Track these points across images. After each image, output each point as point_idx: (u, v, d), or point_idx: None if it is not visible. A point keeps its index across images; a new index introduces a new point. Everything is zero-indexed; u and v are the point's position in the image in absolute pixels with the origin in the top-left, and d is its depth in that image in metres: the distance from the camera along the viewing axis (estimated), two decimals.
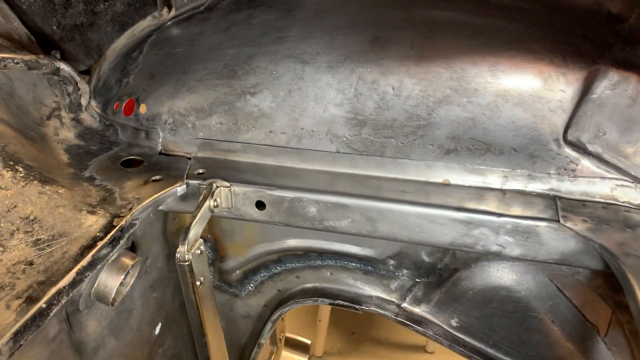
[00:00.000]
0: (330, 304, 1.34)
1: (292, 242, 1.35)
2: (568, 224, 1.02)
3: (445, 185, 1.16)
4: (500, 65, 1.06)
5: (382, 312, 1.32)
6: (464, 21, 1.10)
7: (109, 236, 1.00)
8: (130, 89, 1.36)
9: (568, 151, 1.08)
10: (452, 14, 1.12)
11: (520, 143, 1.09)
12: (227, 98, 1.23)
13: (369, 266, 1.34)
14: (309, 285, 1.41)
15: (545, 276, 1.23)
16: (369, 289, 1.36)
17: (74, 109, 1.45)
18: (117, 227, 1.03)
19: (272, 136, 1.23)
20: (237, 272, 1.45)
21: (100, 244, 0.98)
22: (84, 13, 1.65)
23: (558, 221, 1.03)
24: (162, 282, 1.35)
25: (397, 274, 1.32)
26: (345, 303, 1.33)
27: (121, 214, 1.07)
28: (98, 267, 0.99)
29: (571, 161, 1.08)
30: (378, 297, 1.36)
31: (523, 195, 1.12)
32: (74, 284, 0.91)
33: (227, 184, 1.17)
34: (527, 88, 1.05)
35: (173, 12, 1.53)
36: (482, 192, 1.13)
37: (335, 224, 1.15)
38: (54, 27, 1.71)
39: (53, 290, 0.87)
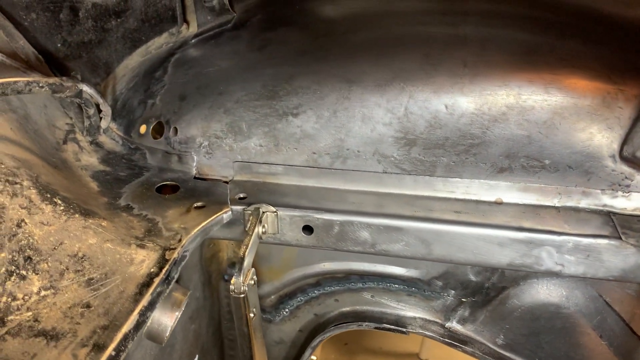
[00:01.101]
0: (376, 328, 1.31)
1: (333, 265, 1.31)
2: (631, 241, 1.01)
3: (498, 204, 1.14)
4: (557, 83, 1.05)
5: (427, 333, 1.29)
6: (517, 38, 1.09)
7: (163, 271, 0.95)
8: (158, 110, 1.30)
9: (623, 167, 1.07)
10: (503, 31, 1.11)
11: (575, 160, 1.08)
12: (268, 119, 1.19)
13: (413, 287, 1.31)
14: (347, 308, 1.37)
15: (594, 291, 1.22)
16: (412, 311, 1.33)
17: (93, 131, 1.38)
18: (170, 261, 0.97)
19: (316, 157, 1.19)
20: (272, 297, 1.40)
21: (156, 280, 0.92)
22: (93, 30, 1.58)
23: (620, 238, 1.02)
24: (199, 312, 1.29)
25: (442, 294, 1.29)
26: (391, 327, 1.29)
27: (172, 247, 1.01)
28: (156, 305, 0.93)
29: (626, 177, 1.08)
30: (422, 319, 1.33)
31: (576, 212, 1.11)
32: (138, 326, 0.85)
33: (273, 208, 1.13)
34: (584, 105, 1.05)
35: (194, 29, 1.48)
36: (536, 210, 1.12)
37: (388, 247, 1.12)
38: (59, 45, 1.62)
39: (119, 335, 0.81)
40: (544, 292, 1.23)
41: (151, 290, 0.90)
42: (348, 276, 1.33)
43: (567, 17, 1.11)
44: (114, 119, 1.41)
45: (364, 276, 1.32)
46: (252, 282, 1.05)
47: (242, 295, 1.02)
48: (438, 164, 1.14)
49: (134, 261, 0.96)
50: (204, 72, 1.28)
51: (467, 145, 1.11)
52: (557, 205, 1.12)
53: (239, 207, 1.14)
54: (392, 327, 1.30)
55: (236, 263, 1.35)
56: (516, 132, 1.08)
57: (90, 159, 1.32)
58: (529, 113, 1.07)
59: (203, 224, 1.07)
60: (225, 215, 1.12)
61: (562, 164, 1.09)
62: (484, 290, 1.26)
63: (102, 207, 1.12)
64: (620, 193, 1.09)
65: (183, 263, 1.02)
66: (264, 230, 1.11)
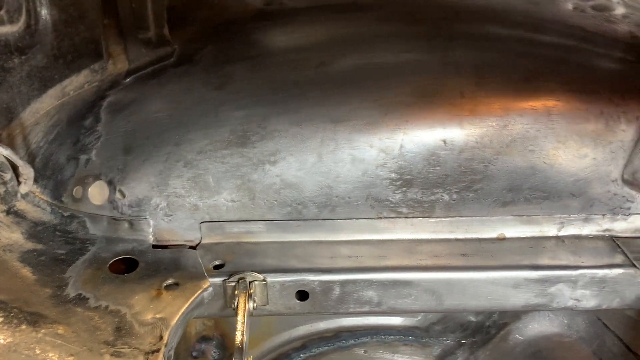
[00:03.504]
0: None
1: (321, 325, 1.17)
2: None
3: (501, 239, 1.06)
4: (560, 109, 0.99)
5: None
6: (514, 63, 1.02)
7: None
8: (97, 168, 1.07)
9: (625, 190, 1.04)
10: (496, 55, 1.03)
11: (579, 188, 1.03)
12: (240, 170, 1.02)
13: (410, 336, 1.20)
14: None
15: (594, 315, 1.19)
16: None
17: (9, 199, 1.11)
18: None
19: (300, 209, 1.04)
20: None
21: None
22: None
23: (634, 266, 0.98)
24: None
25: (441, 339, 1.19)
26: None
27: (154, 349, 0.80)
28: None
29: (628, 199, 1.05)
30: None
31: (580, 240, 1.06)
32: None
33: (260, 276, 0.96)
34: (588, 131, 1.00)
35: (124, 65, 1.25)
36: (541, 242, 1.05)
37: (396, 304, 1.00)
38: None
39: None
40: (546, 323, 1.18)
41: None
42: (338, 334, 1.19)
43: (557, 37, 1.06)
44: (35, 180, 1.15)
45: (356, 332, 1.18)
46: None
47: None
48: (437, 203, 1.04)
49: None
50: (152, 118, 1.07)
51: (468, 181, 1.02)
52: (560, 235, 1.07)
53: (218, 280, 0.95)
54: None
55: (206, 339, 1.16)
56: (520, 163, 1.01)
57: (13, 235, 1.06)
58: (532, 143, 1.00)
59: (182, 310, 0.87)
60: (206, 293, 0.93)
61: (565, 193, 1.04)
62: (485, 329, 1.19)
63: (49, 305, 0.88)
64: (620, 216, 1.06)
65: None
66: (254, 305, 0.94)
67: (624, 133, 1.00)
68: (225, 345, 1.19)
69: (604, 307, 1.02)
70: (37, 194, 1.14)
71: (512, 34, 1.06)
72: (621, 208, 1.05)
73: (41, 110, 1.31)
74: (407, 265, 0.99)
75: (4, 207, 1.11)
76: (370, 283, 0.98)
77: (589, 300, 1.01)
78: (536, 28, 1.05)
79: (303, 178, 1.02)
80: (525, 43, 1.04)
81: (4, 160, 1.06)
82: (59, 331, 0.80)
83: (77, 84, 1.31)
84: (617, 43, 1.05)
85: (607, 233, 1.07)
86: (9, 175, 1.08)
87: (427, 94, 1.00)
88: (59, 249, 1.03)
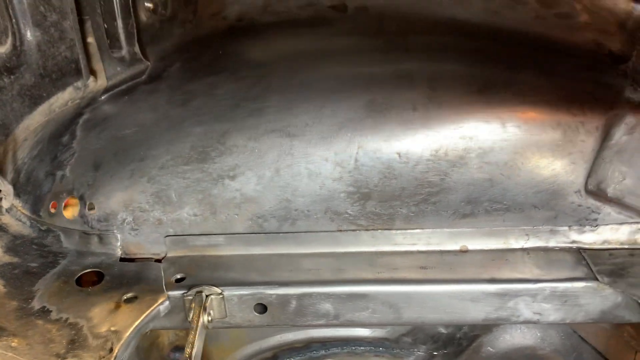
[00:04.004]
0: None
1: (291, 336, 1.18)
2: (606, 281, 0.95)
3: (463, 252, 1.05)
4: (515, 120, 0.97)
5: None
6: (467, 74, 1.01)
7: None
8: (70, 184, 1.11)
9: (590, 201, 1.02)
10: (451, 66, 1.02)
11: (541, 199, 1.01)
12: (201, 185, 1.04)
13: (380, 347, 1.20)
14: None
15: (569, 328, 1.16)
16: None
17: None
18: None
19: (261, 222, 1.05)
20: None
21: None
22: None
23: (596, 279, 0.96)
24: None
25: (412, 350, 1.19)
26: None
27: None
28: None
29: (593, 210, 1.02)
30: None
31: (546, 252, 1.04)
32: None
33: (218, 290, 0.98)
34: (546, 142, 0.98)
35: (103, 83, 1.30)
36: (505, 255, 1.04)
37: (353, 317, 1.00)
38: None
39: None
40: (518, 336, 1.16)
41: None
42: (309, 345, 1.20)
43: (516, 46, 1.04)
44: (18, 195, 1.20)
45: (326, 343, 1.19)
46: None
47: None
48: (396, 216, 1.04)
49: None
50: (120, 134, 1.11)
51: (425, 194, 1.01)
52: (525, 247, 1.05)
53: (177, 293, 0.98)
54: None
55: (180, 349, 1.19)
56: (477, 176, 1.00)
57: None
58: (488, 155, 0.99)
59: (136, 323, 0.90)
60: (162, 307, 0.96)
61: (527, 205, 1.02)
62: (456, 341, 1.17)
63: (12, 317, 0.92)
64: (587, 227, 1.04)
65: None
66: (210, 318, 0.96)
67: (584, 144, 0.98)
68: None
69: (568, 321, 1.00)
70: (19, 208, 1.19)
71: (469, 45, 1.04)
72: (587, 219, 1.03)
73: (31, 126, 1.37)
74: (364, 278, 0.99)
75: None
76: (326, 296, 0.98)
77: (551, 314, 0.99)
78: (495, 38, 1.04)
79: (262, 192, 1.03)
80: (482, 53, 1.03)
81: None
82: (13, 344, 0.84)
83: (63, 101, 1.35)
84: (580, 51, 1.03)
85: (574, 245, 1.04)
86: None
87: (379, 108, 1.00)
88: (33, 262, 1.08)
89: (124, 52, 1.21)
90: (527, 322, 1.01)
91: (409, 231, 1.05)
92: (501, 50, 1.04)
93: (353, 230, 1.05)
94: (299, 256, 1.06)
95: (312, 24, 1.15)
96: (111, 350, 0.85)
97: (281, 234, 1.06)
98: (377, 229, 1.05)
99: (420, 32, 1.06)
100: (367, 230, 1.05)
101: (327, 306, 0.99)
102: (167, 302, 0.96)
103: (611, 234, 1.04)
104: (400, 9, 1.10)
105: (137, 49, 1.20)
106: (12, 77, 1.34)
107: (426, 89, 1.00)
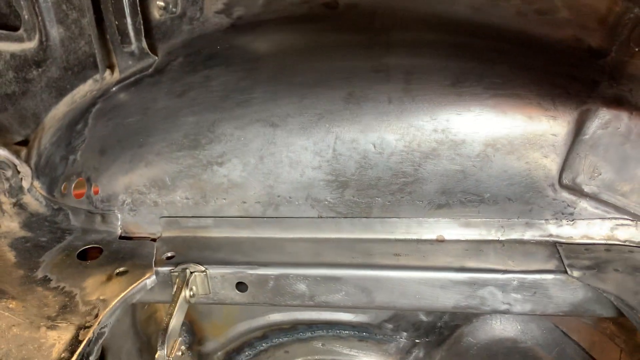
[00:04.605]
0: None
1: (278, 316, 1.24)
2: (575, 274, 0.96)
3: (440, 241, 1.08)
4: (487, 113, 1.00)
5: None
6: (443, 68, 1.03)
7: (75, 356, 0.86)
8: (79, 167, 1.22)
9: (565, 195, 1.02)
10: (429, 61, 1.05)
11: (514, 191, 1.03)
12: (192, 170, 1.12)
13: (364, 332, 1.24)
14: (299, 359, 1.29)
15: (551, 322, 1.17)
16: (366, 356, 1.26)
17: (15, 193, 1.29)
18: (85, 342, 0.89)
19: (247, 207, 1.12)
20: (219, 353, 1.32)
21: None
22: (15, 81, 1.49)
23: (565, 272, 0.97)
24: None
25: (394, 337, 1.23)
26: None
27: (87, 324, 0.92)
28: None
29: (568, 205, 1.03)
30: None
31: (522, 244, 1.06)
32: None
33: (201, 268, 1.05)
34: (517, 135, 1.00)
35: (116, 75, 1.40)
36: (479, 245, 1.06)
37: (327, 298, 1.05)
38: None
39: None
40: (499, 328, 1.17)
41: None
42: (295, 326, 1.26)
43: (495, 42, 1.06)
44: (37, 176, 1.32)
45: (312, 325, 1.25)
46: (180, 353, 0.97)
47: None
48: (373, 204, 1.08)
49: (42, 347, 0.88)
50: (124, 123, 1.20)
51: (400, 184, 1.05)
52: (501, 238, 1.07)
53: (165, 269, 1.06)
54: None
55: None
56: (449, 167, 1.03)
57: (11, 224, 1.24)
58: (460, 147, 1.01)
59: (122, 294, 0.99)
60: (149, 280, 1.04)
61: (501, 197, 1.04)
62: (437, 330, 1.20)
63: (16, 283, 1.03)
64: (564, 222, 1.04)
65: (101, 340, 0.94)
66: (192, 293, 1.03)
67: (555, 138, 0.99)
68: (194, 331, 1.30)
69: (538, 312, 1.01)
70: (37, 189, 1.31)
71: (449, 40, 1.07)
72: (563, 214, 1.04)
73: (56, 116, 1.50)
74: (337, 262, 1.04)
75: (13, 200, 1.30)
76: (302, 277, 1.04)
77: (521, 305, 1.00)
78: (474, 33, 1.06)
79: (247, 178, 1.10)
80: (460, 49, 1.05)
81: (4, 159, 1.24)
82: (10, 305, 0.94)
83: (83, 92, 1.47)
84: (558, 46, 1.03)
85: (551, 239, 1.05)
86: (9, 172, 1.26)
87: (357, 101, 1.05)
88: (43, 236, 1.19)
89: (134, 47, 1.30)
90: (497, 312, 1.03)
91: (386, 220, 1.09)
92: (479, 45, 1.05)
93: (333, 217, 1.10)
94: (282, 240, 1.12)
95: (304, 20, 1.19)
96: (96, 316, 0.94)
97: (265, 219, 1.12)
98: (356, 217, 1.09)
99: (404, 29, 1.09)
100: (345, 217, 1.10)
101: (302, 287, 1.04)
102: (153, 277, 1.04)
103: (588, 229, 1.04)
104: (389, 5, 1.13)
105: (144, 44, 1.28)
106: (40, 70, 1.47)
107: (402, 83, 1.04)
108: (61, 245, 1.16)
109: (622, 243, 1.03)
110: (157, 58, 1.31)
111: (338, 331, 1.24)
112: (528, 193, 1.03)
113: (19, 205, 1.29)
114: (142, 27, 1.26)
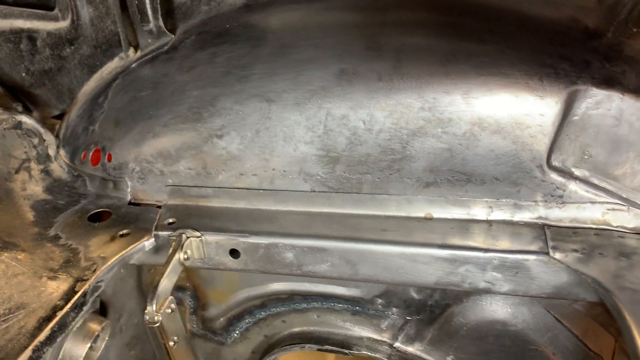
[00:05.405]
0: (319, 349, 1.27)
1: (275, 286, 1.29)
2: (557, 256, 0.96)
3: (428, 219, 1.09)
4: (474, 92, 1.00)
5: (373, 354, 1.25)
6: (433, 47, 1.04)
7: (70, 304, 0.94)
8: (96, 137, 1.31)
9: (554, 177, 1.01)
10: (420, 39, 1.06)
11: (501, 171, 1.03)
12: (194, 142, 1.18)
13: (356, 306, 1.27)
14: (296, 329, 1.34)
15: (542, 307, 1.16)
16: (359, 330, 1.29)
17: (43, 160, 1.40)
18: (80, 293, 0.97)
19: (244, 179, 1.17)
20: (221, 319, 1.38)
21: (60, 314, 0.92)
22: (51, 58, 1.61)
23: (547, 253, 0.97)
24: (140, 338, 1.29)
25: (386, 312, 1.25)
26: (334, 348, 1.26)
27: (84, 277, 1.00)
28: (60, 337, 0.93)
29: (558, 187, 1.02)
30: (369, 338, 1.29)
31: (510, 225, 1.05)
32: None
33: (197, 233, 1.11)
34: (503, 114, 0.99)
35: (139, 53, 1.48)
36: (467, 224, 1.07)
37: (314, 268, 1.09)
38: (23, 74, 1.67)
39: None
40: (489, 310, 1.18)
41: (51, 324, 0.90)
42: (292, 297, 1.30)
43: (488, 22, 1.05)
44: (63, 146, 1.42)
45: (307, 296, 1.29)
46: (170, 310, 1.03)
47: (156, 325, 1.01)
48: (364, 180, 1.10)
49: (42, 294, 0.96)
50: (138, 96, 1.28)
51: (389, 160, 1.07)
52: (489, 219, 1.07)
53: (164, 233, 1.13)
54: (335, 348, 1.26)
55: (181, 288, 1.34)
56: (436, 145, 1.04)
57: (36, 188, 1.34)
58: (447, 125, 1.02)
59: (120, 254, 1.06)
60: (148, 242, 1.11)
61: (488, 176, 1.04)
62: (428, 308, 1.21)
63: (29, 239, 1.13)
64: (554, 204, 1.03)
65: (97, 293, 1.02)
66: (185, 256, 1.10)
67: (543, 118, 0.98)
68: (198, 296, 1.37)
69: (520, 293, 1.01)
70: (62, 157, 1.41)
71: (443, 19, 1.07)
72: (552, 196, 1.03)
73: (87, 91, 1.61)
74: (324, 234, 1.07)
75: (42, 167, 1.41)
76: (290, 247, 1.08)
77: (502, 284, 1.01)
78: (468, 13, 1.06)
79: (244, 151, 1.15)
80: (451, 27, 1.05)
81: (30, 127, 1.34)
82: (19, 257, 1.04)
83: (110, 69, 1.57)
84: (554, 26, 1.02)
85: (540, 221, 1.05)
86: (36, 140, 1.36)
87: (348, 78, 1.07)
88: (61, 200, 1.29)
89: (152, 25, 1.38)
90: (479, 290, 1.04)
91: (376, 196, 1.11)
92: (472, 24, 1.05)
93: (325, 192, 1.13)
94: (276, 212, 1.16)
95: (310, 0, 1.23)
96: (94, 271, 1.02)
97: (261, 191, 1.17)
98: (347, 192, 1.12)
99: (400, 8, 1.11)
100: (337, 192, 1.13)
101: (290, 256, 1.09)
102: (152, 240, 1.11)
103: (579, 212, 1.03)
104: None
105: (161, 23, 1.35)
106: (72, 47, 1.58)
107: (393, 61, 1.05)
108: (75, 208, 1.25)
109: (613, 228, 1.01)
110: (173, 37, 1.38)
111: (332, 304, 1.28)
112: (515, 173, 1.02)
113: (46, 172, 1.39)
114: (158, 6, 1.33)
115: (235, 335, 1.40)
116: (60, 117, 1.61)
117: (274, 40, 1.18)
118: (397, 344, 1.27)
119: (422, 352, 1.26)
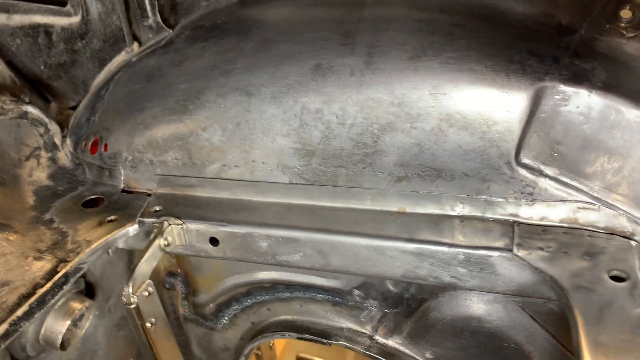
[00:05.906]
0: (298, 338, 1.31)
1: (260, 275, 1.33)
2: (520, 253, 0.95)
3: (401, 213, 1.11)
4: (442, 88, 1.00)
5: (352, 345, 1.27)
6: (404, 42, 1.05)
7: (50, 283, 1.01)
8: (96, 127, 1.37)
9: (523, 174, 1.01)
10: (393, 35, 1.07)
11: (470, 167, 1.03)
12: (180, 133, 1.23)
13: (337, 297, 1.29)
14: (281, 317, 1.38)
15: (517, 305, 1.15)
16: (340, 321, 1.31)
17: (50, 148, 1.49)
18: (61, 273, 1.03)
19: (227, 170, 1.21)
20: (211, 305, 1.44)
21: (40, 291, 0.99)
22: (65, 52, 1.70)
23: (511, 250, 0.97)
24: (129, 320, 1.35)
25: (365, 304, 1.27)
26: (313, 337, 1.29)
27: (67, 259, 1.07)
28: (39, 313, 0.99)
29: (528, 184, 1.01)
30: (349, 329, 1.31)
31: (481, 221, 1.06)
32: (6, 335, 0.92)
33: (179, 221, 1.16)
34: (471, 110, 0.99)
35: (140, 47, 1.54)
36: (438, 219, 1.07)
37: (287, 258, 1.12)
38: (42, 67, 1.76)
39: None
40: (464, 305, 1.18)
41: (30, 301, 0.96)
42: (275, 286, 1.34)
43: (462, 17, 1.05)
44: (70, 135, 1.50)
45: (290, 286, 1.32)
46: (147, 293, 1.09)
47: (133, 306, 1.06)
48: (339, 174, 1.13)
49: (26, 273, 1.03)
50: (133, 88, 1.34)
51: (362, 154, 1.09)
52: (460, 214, 1.07)
53: (149, 220, 1.18)
54: (314, 337, 1.29)
55: (173, 274, 1.40)
56: (406, 140, 1.05)
57: (41, 175, 1.43)
58: (415, 120, 1.03)
59: (104, 238, 1.12)
60: (132, 228, 1.17)
61: (457, 172, 1.04)
62: (405, 302, 1.22)
63: (25, 221, 1.20)
64: (523, 201, 1.03)
65: (79, 274, 1.08)
66: (166, 242, 1.15)
67: (509, 114, 0.97)
68: (188, 282, 1.42)
69: (486, 289, 1.02)
70: (68, 146, 1.49)
71: (417, 15, 1.08)
72: (522, 193, 1.02)
73: (98, 84, 1.69)
74: (297, 225, 1.10)
75: (49, 155, 1.49)
76: (264, 237, 1.12)
77: (468, 279, 1.01)
78: (443, 9, 1.06)
79: (226, 143, 1.19)
80: (425, 23, 1.05)
81: (36, 117, 1.42)
82: (11, 238, 1.11)
83: (118, 62, 1.64)
84: (526, 22, 1.01)
85: (511, 218, 1.04)
86: (42, 129, 1.45)
87: (322, 72, 1.09)
88: (61, 186, 1.36)
89: (151, 20, 1.44)
90: (445, 285, 1.05)
91: (351, 189, 1.13)
92: (445, 20, 1.05)
93: (302, 184, 1.16)
94: (257, 203, 1.20)
95: None
96: (78, 253, 1.08)
97: (243, 182, 1.20)
98: (323, 185, 1.15)
99: (378, 4, 1.12)
100: (314, 185, 1.15)
101: (264, 245, 1.12)
102: (136, 226, 1.17)
103: (549, 210, 1.02)
104: None
105: (159, 18, 1.41)
106: (83, 41, 1.66)
107: (365, 56, 1.07)
108: (73, 194, 1.32)
109: (584, 227, 1.00)
110: (171, 32, 1.43)
111: (313, 294, 1.31)
112: (484, 170, 1.02)
113: (53, 160, 1.48)
114: (156, 2, 1.38)
115: (225, 321, 1.45)
116: (76, 108, 1.70)
117: (258, 35, 1.22)
118: (376, 337, 1.28)
119: (401, 345, 1.27)
